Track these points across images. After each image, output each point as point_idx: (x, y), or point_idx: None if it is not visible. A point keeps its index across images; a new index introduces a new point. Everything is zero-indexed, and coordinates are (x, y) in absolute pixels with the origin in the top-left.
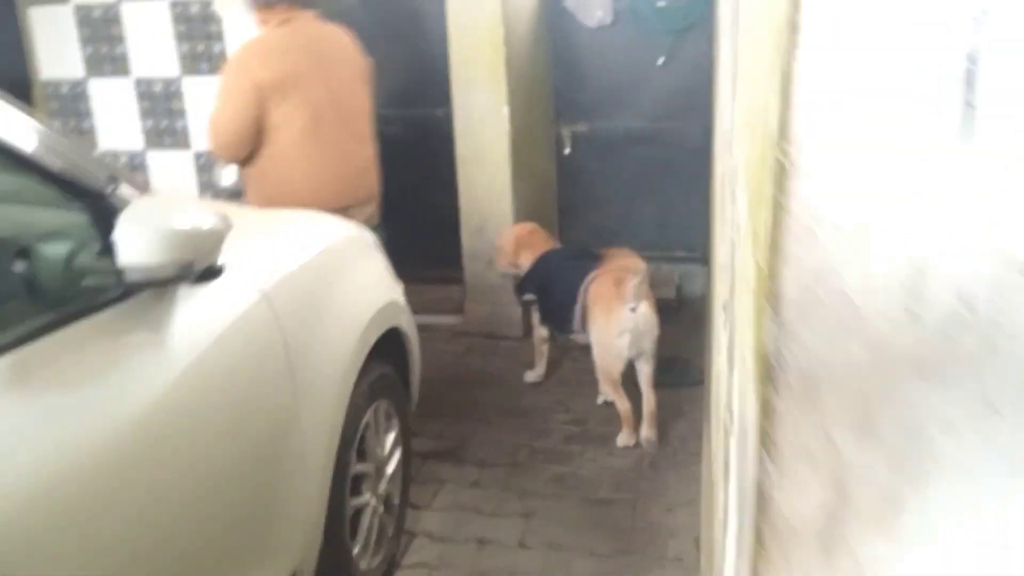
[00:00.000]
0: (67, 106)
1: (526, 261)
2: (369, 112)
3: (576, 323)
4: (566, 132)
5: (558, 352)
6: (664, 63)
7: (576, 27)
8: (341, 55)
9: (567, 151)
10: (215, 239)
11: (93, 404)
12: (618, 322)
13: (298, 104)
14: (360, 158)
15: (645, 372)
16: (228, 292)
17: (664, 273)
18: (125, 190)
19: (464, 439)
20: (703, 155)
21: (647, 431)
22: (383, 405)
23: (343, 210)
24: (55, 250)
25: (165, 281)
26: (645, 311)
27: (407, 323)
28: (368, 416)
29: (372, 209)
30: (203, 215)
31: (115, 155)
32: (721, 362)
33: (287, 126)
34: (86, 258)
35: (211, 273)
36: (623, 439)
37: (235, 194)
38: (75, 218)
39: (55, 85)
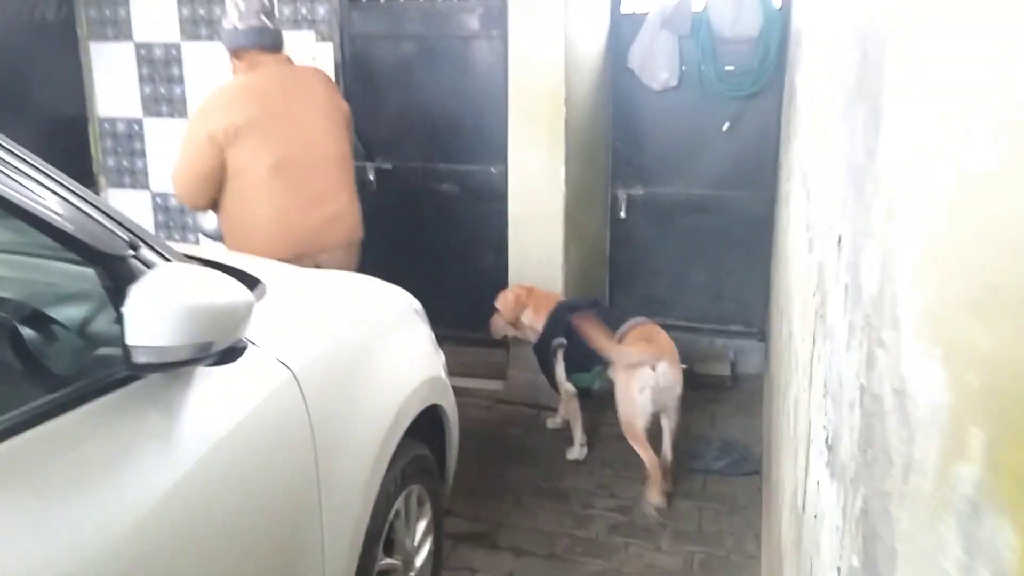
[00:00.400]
0: (122, 144)
1: (535, 318)
2: (345, 157)
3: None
4: (622, 195)
5: (595, 423)
6: (729, 129)
7: (640, 88)
8: (312, 99)
9: (622, 214)
10: (240, 316)
11: (91, 508)
12: (639, 378)
13: (260, 148)
14: (332, 203)
15: (666, 428)
16: (251, 373)
17: (718, 348)
18: (150, 255)
19: (499, 522)
20: (765, 226)
21: (655, 494)
22: (416, 491)
23: (310, 255)
24: (64, 318)
25: (178, 365)
26: (665, 369)
27: (447, 400)
28: (399, 504)
29: (345, 255)
30: (230, 287)
31: (166, 196)
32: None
33: (251, 170)
34: (97, 330)
35: (234, 352)
36: (650, 498)
37: (218, 238)
38: (89, 285)
39: (111, 122)
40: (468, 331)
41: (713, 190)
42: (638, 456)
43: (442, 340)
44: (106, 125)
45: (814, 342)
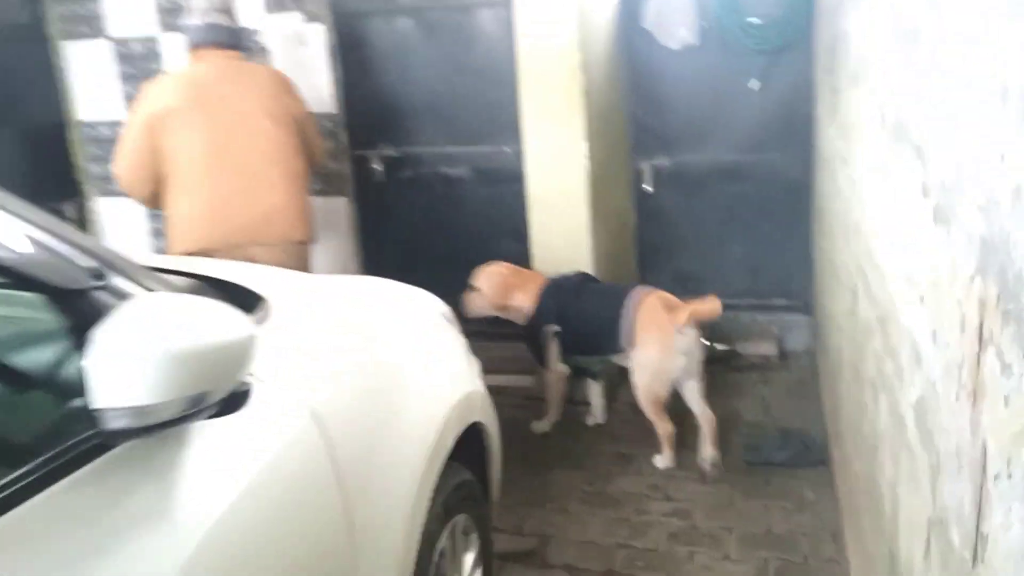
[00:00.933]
0: (106, 150)
1: (521, 299)
2: (287, 156)
3: (623, 340)
4: (647, 167)
5: (640, 417)
6: (757, 87)
7: (657, 49)
8: (254, 96)
9: (648, 188)
10: (239, 356)
11: None
12: (671, 345)
13: (192, 135)
14: (266, 198)
15: (696, 391)
16: (260, 420)
17: (761, 325)
18: (122, 284)
19: (547, 536)
20: (803, 190)
21: (711, 450)
22: (460, 521)
23: (240, 248)
24: (28, 363)
25: (163, 427)
26: (693, 332)
27: (488, 415)
28: (443, 540)
29: (284, 256)
30: (224, 319)
31: None
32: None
33: (182, 158)
34: (69, 377)
35: (236, 399)
36: (663, 461)
37: None
38: (49, 327)
39: (93, 127)
40: (490, 325)
41: (744, 155)
42: (690, 454)
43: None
44: (88, 130)
45: (982, 344)
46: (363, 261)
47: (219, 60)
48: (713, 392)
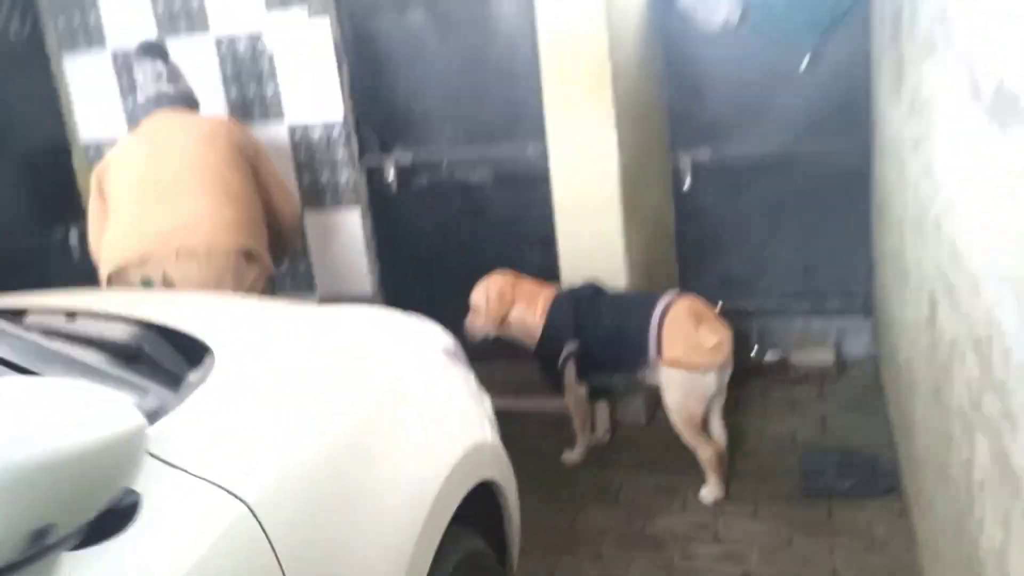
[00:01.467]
0: None
1: (527, 315)
2: (221, 168)
3: (651, 354)
4: (685, 162)
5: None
6: (807, 68)
7: (694, 32)
8: (195, 130)
9: (687, 185)
10: (112, 465)
11: None
12: (704, 359)
13: (125, 175)
14: (188, 206)
15: (718, 409)
16: (174, 529)
17: (816, 331)
18: None
19: None
20: (861, 179)
21: (715, 483)
22: None
23: (155, 261)
24: None
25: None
26: (726, 343)
27: (502, 471)
28: None
29: (209, 268)
30: (99, 409)
31: None
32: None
33: (114, 196)
34: None
35: (118, 517)
36: (711, 493)
37: None
38: None
39: (97, 148)
40: (513, 343)
41: (794, 144)
42: (740, 484)
43: (488, 358)
44: (91, 152)
45: None
46: (379, 277)
47: (167, 114)
48: (764, 409)
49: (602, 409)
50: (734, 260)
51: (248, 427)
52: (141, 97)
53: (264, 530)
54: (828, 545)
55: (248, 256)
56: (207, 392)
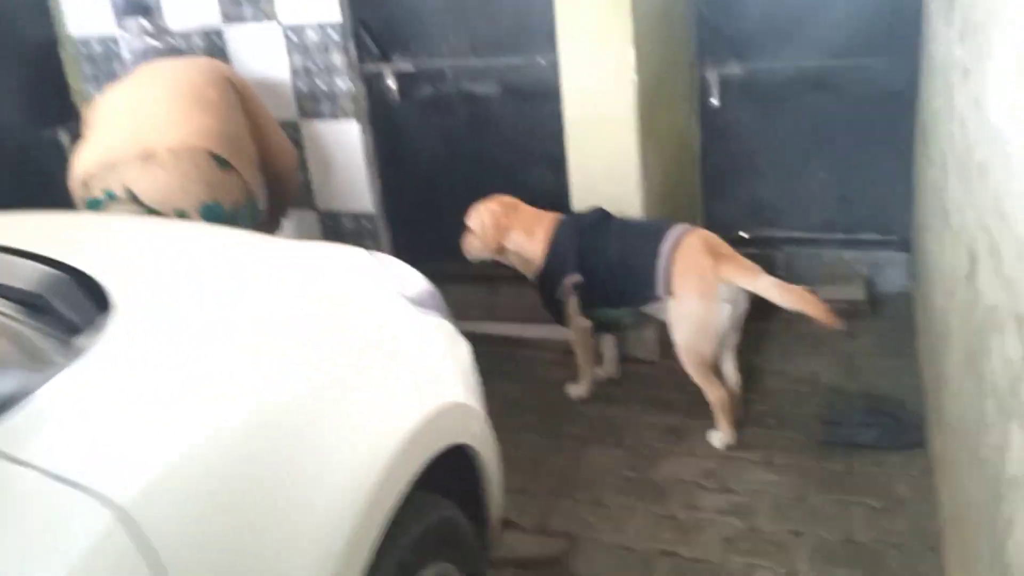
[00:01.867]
0: (101, 68)
1: (527, 244)
2: (197, 84)
3: (659, 288)
4: (713, 77)
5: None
6: None
7: None
8: (182, 62)
9: (715, 102)
10: None
11: None
12: (717, 292)
13: (102, 105)
14: (159, 108)
15: (731, 349)
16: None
17: (847, 264)
18: None
19: (575, 537)
20: (904, 103)
21: (725, 428)
22: (441, 571)
23: (121, 165)
24: None
25: None
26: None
27: (478, 434)
28: None
29: (177, 168)
30: None
31: None
32: None
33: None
34: None
35: None
36: (720, 438)
37: None
38: None
39: (86, 43)
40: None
41: (834, 60)
42: (754, 429)
43: (493, 282)
44: (81, 47)
45: None
46: (381, 193)
47: (157, 61)
48: (786, 346)
49: (610, 342)
50: (762, 184)
51: (137, 408)
52: (127, 53)
53: (145, 538)
54: (843, 504)
55: (221, 163)
56: (92, 361)
